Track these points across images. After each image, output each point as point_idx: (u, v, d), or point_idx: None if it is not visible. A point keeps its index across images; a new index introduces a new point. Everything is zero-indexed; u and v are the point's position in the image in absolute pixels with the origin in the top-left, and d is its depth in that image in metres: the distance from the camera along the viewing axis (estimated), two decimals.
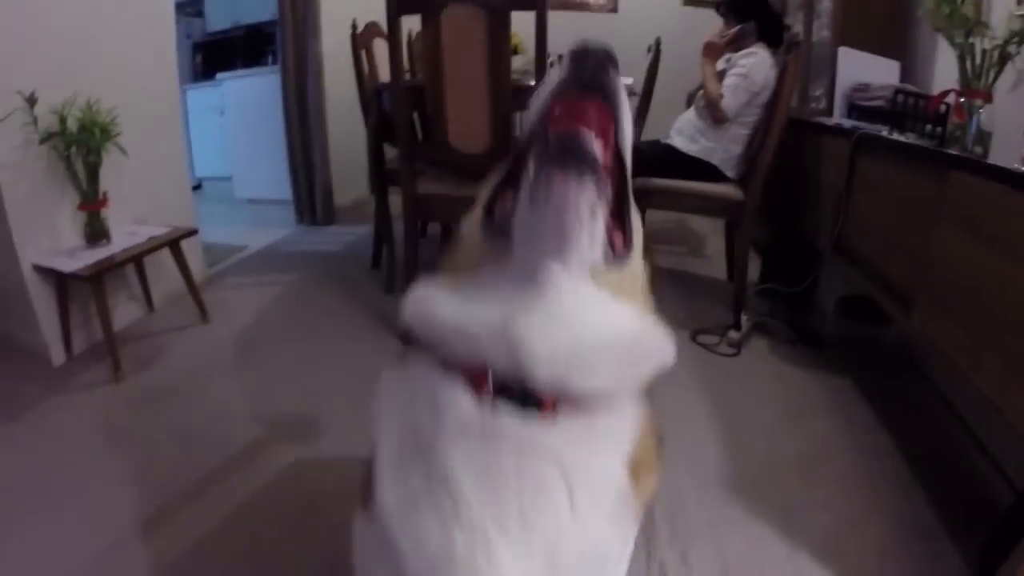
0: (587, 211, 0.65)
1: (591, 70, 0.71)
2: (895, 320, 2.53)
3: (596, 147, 0.67)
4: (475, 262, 0.74)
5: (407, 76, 3.01)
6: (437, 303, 0.74)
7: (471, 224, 0.80)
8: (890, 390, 2.23)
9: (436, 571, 0.66)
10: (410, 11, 2.20)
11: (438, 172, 2.42)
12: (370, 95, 2.98)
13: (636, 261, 0.80)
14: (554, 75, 0.73)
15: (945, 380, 2.16)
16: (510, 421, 0.68)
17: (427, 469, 0.70)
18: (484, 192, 0.81)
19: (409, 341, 0.77)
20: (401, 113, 2.35)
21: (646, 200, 2.77)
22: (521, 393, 0.68)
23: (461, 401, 0.69)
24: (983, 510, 1.60)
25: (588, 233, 0.67)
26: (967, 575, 1.42)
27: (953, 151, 1.78)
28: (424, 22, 2.18)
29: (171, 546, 1.40)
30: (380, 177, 2.80)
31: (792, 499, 1.67)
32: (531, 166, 0.66)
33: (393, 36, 2.23)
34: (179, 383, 2.06)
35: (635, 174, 2.52)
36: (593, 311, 0.70)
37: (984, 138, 1.81)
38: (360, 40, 3.03)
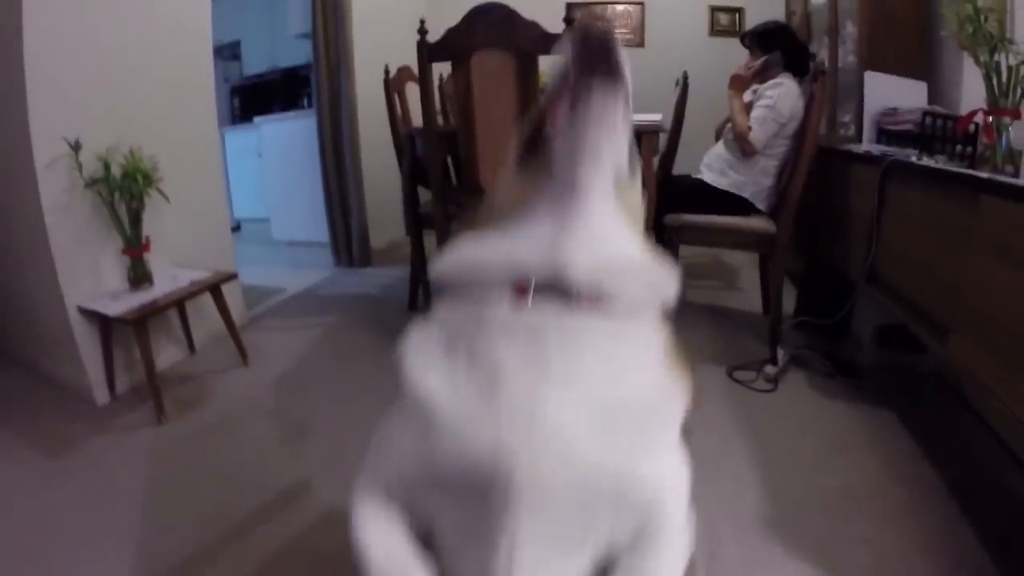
0: (618, 119, 0.74)
1: (597, 46, 0.74)
2: (932, 348, 2.51)
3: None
4: (512, 201, 0.81)
5: (439, 119, 3.05)
6: (479, 242, 0.81)
7: (507, 168, 0.87)
8: (932, 421, 2.18)
9: (478, 425, 0.70)
10: (441, 59, 2.25)
11: (471, 215, 2.41)
12: (404, 139, 3.03)
13: (638, 190, 0.87)
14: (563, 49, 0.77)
15: (988, 410, 2.10)
16: (552, 313, 0.73)
17: (469, 356, 0.75)
18: (517, 132, 0.86)
19: (431, 296, 0.82)
20: (434, 157, 2.39)
21: (679, 236, 2.77)
22: (562, 293, 0.73)
23: (504, 307, 0.75)
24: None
25: (616, 142, 0.75)
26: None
27: (983, 173, 1.75)
28: (454, 68, 2.23)
29: None
30: (415, 220, 2.83)
31: (832, 535, 1.63)
32: (570, 77, 0.73)
33: (425, 83, 2.28)
34: (220, 424, 2.09)
35: (667, 210, 2.54)
36: (617, 228, 0.78)
37: (1015, 156, 1.77)
38: (393, 84, 3.10)
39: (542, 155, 0.77)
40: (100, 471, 1.87)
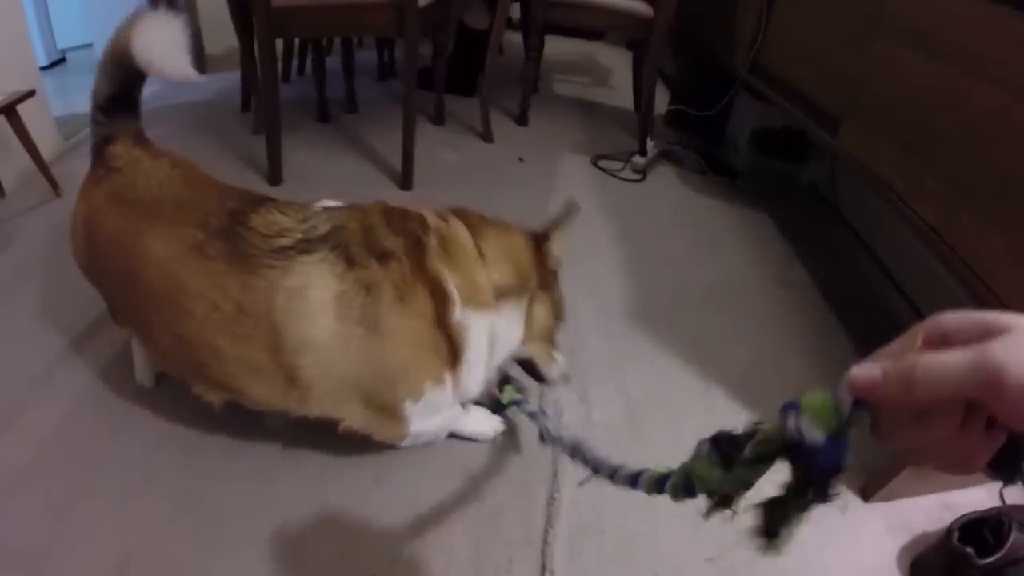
0: None
1: None
2: (810, 158, 2.44)
3: None
4: None
5: None
6: None
7: None
8: (806, 227, 2.11)
9: None
10: None
11: None
12: None
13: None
14: None
15: (863, 220, 2.07)
16: None
17: None
18: None
19: None
20: None
21: (543, 15, 2.48)
22: None
23: None
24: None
25: None
26: None
27: None
28: None
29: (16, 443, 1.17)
30: (242, 18, 2.39)
31: (704, 332, 1.53)
32: None
33: None
34: (27, 263, 1.74)
35: None
36: None
37: None
38: None
39: None
40: None
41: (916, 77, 1.27)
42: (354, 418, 0.94)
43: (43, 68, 3.50)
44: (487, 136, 2.48)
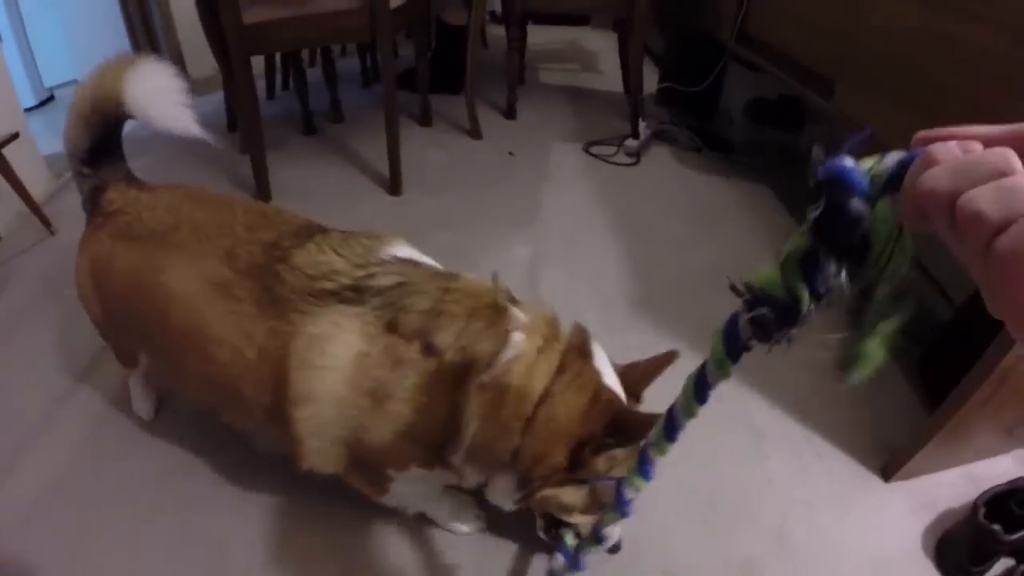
0: None
1: None
2: (807, 124, 2.38)
3: None
4: None
5: None
6: None
7: None
8: (807, 195, 2.07)
9: None
10: None
11: None
12: None
13: None
14: None
15: None
16: None
17: None
18: None
19: None
20: None
21: (522, 4, 2.40)
22: None
23: None
24: (918, 326, 1.47)
25: None
26: (907, 387, 1.30)
27: None
28: None
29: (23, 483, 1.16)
30: (214, 23, 2.36)
31: (710, 315, 1.48)
32: None
33: None
34: (26, 304, 1.72)
35: None
36: None
37: None
38: None
39: None
40: None
41: (909, 26, 1.22)
42: (338, 471, 0.87)
43: (32, 108, 3.50)
44: (475, 133, 2.43)
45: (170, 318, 0.85)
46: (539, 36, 3.72)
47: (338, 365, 0.77)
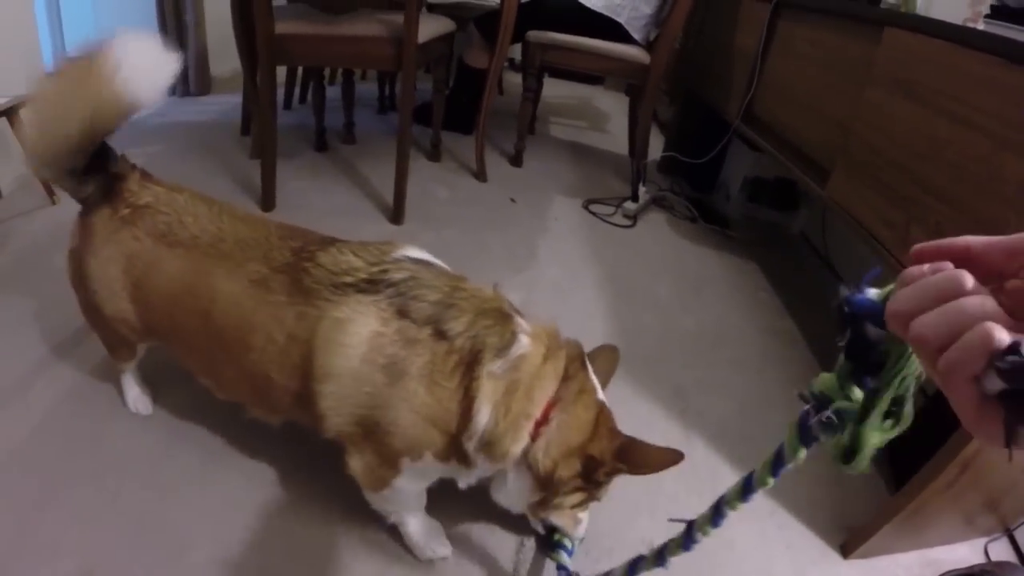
0: None
1: None
2: (801, 207, 2.47)
3: None
4: None
5: None
6: None
7: None
8: (795, 276, 2.13)
9: None
10: None
11: (301, 9, 2.09)
12: None
13: None
14: None
15: (860, 266, 2.08)
16: None
17: None
18: None
19: None
20: None
21: (541, 57, 2.52)
22: None
23: None
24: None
25: None
26: (872, 469, 1.33)
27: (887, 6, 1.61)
28: None
29: None
30: (248, 42, 2.41)
31: (688, 380, 1.51)
32: None
33: None
34: (15, 268, 1.71)
35: (535, 26, 2.27)
36: None
37: None
38: None
39: None
40: None
41: (903, 124, 1.29)
42: (358, 455, 0.91)
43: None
44: (481, 175, 2.49)
45: (214, 316, 0.91)
46: (554, 89, 3.84)
47: (355, 343, 0.83)
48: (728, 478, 1.26)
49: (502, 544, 1.06)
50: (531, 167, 2.72)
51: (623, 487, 1.19)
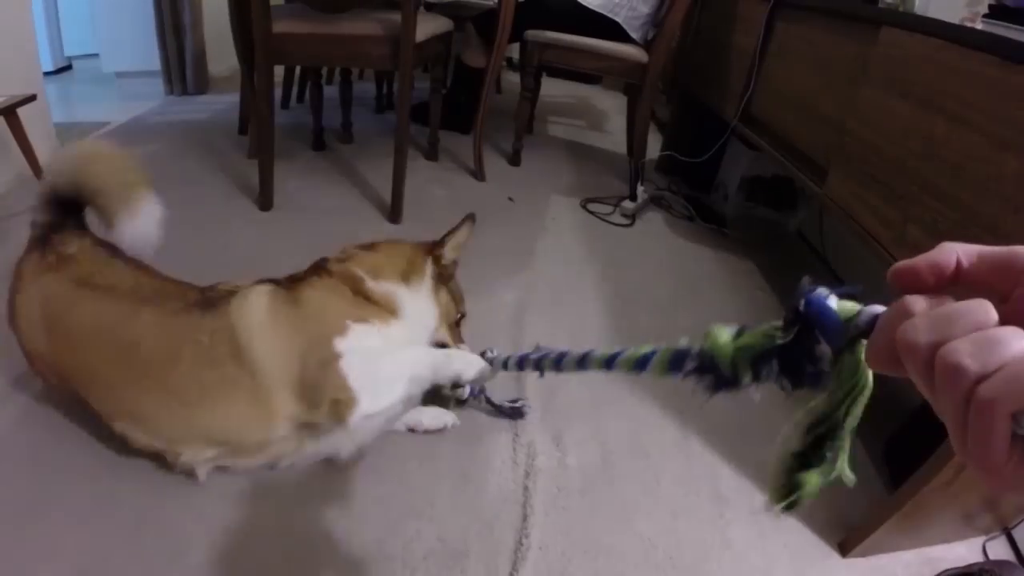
0: None
1: None
2: (799, 207, 2.47)
3: None
4: None
5: None
6: None
7: None
8: (792, 275, 2.13)
9: None
10: None
11: (299, 8, 2.09)
12: None
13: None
14: None
15: (850, 269, 2.09)
16: None
17: None
18: None
19: None
20: None
21: (539, 56, 2.52)
22: None
23: None
24: (890, 406, 1.51)
25: None
26: (871, 467, 1.32)
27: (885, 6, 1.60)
28: None
29: None
30: (246, 43, 2.41)
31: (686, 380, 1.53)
32: None
33: None
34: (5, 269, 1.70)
35: (533, 25, 2.27)
36: None
37: None
38: None
39: None
40: None
41: (900, 123, 1.29)
42: (314, 408, 0.99)
43: (48, 73, 3.49)
44: (479, 174, 2.49)
45: (141, 348, 1.01)
46: (552, 89, 3.83)
47: (259, 308, 1.03)
48: (727, 477, 1.26)
49: (500, 546, 1.05)
50: (529, 166, 2.72)
51: (622, 487, 1.19)
